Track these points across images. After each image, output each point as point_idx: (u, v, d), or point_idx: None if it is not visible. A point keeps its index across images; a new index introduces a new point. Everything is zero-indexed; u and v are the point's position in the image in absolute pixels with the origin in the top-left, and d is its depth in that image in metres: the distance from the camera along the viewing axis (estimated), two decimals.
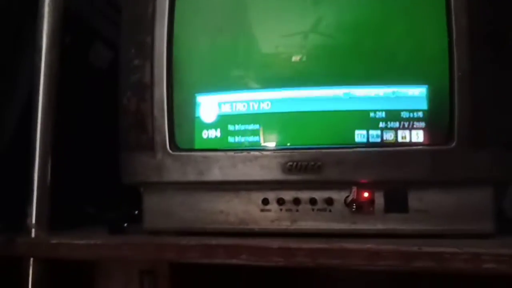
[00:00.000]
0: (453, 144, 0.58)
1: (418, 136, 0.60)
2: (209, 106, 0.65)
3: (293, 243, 0.55)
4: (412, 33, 0.62)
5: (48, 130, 0.67)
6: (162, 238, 0.63)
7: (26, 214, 0.65)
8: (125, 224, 0.67)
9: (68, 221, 0.70)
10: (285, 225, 0.62)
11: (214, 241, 0.58)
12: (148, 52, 0.66)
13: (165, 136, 0.64)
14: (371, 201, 0.60)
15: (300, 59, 0.64)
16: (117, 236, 0.66)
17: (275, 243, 0.56)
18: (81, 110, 0.76)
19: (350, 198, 0.60)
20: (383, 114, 0.60)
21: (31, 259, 0.65)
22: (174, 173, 0.64)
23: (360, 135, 0.61)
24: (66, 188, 0.69)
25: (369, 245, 0.53)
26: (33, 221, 0.65)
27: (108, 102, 0.70)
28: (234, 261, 0.58)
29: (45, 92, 0.67)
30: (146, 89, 0.65)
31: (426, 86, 0.60)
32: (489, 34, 0.59)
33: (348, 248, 0.54)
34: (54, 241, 0.64)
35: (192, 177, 0.64)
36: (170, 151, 0.64)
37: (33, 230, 0.65)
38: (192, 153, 0.65)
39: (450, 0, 0.59)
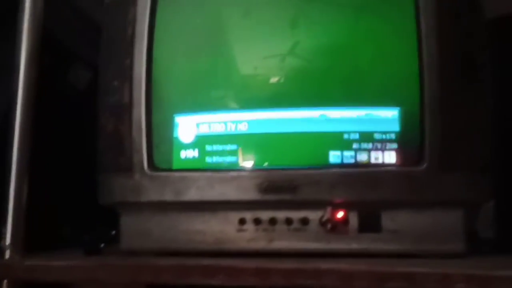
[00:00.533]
0: (424, 166, 0.59)
1: (390, 157, 0.61)
2: (187, 127, 0.66)
3: (269, 264, 0.56)
4: (384, 57, 0.64)
5: (25, 150, 0.67)
6: (138, 259, 0.62)
7: (1, 235, 0.65)
8: (102, 245, 0.67)
9: (44, 242, 0.69)
10: (261, 245, 0.63)
11: (190, 261, 0.58)
12: (127, 74, 0.66)
13: (143, 157, 0.65)
14: (345, 221, 0.61)
15: (278, 80, 0.65)
16: (93, 258, 0.65)
17: (252, 263, 0.57)
18: (59, 131, 0.76)
19: (325, 218, 0.61)
20: (357, 136, 0.62)
21: (5, 281, 0.64)
22: (152, 193, 0.64)
23: (334, 156, 0.62)
24: (42, 209, 0.69)
25: (343, 265, 0.54)
26: (8, 242, 0.64)
27: (87, 123, 0.70)
28: (210, 281, 0.58)
29: (23, 112, 0.67)
30: (124, 110, 0.66)
31: (398, 108, 0.62)
32: (459, 58, 0.61)
33: (322, 269, 0.54)
34: (28, 263, 0.63)
35: (169, 197, 0.64)
36: (148, 172, 0.64)
37: (7, 252, 0.64)
38: (170, 173, 0.65)
39: (420, 25, 0.61)
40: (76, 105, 0.80)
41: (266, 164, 0.64)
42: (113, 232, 0.68)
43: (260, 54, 0.66)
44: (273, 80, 0.65)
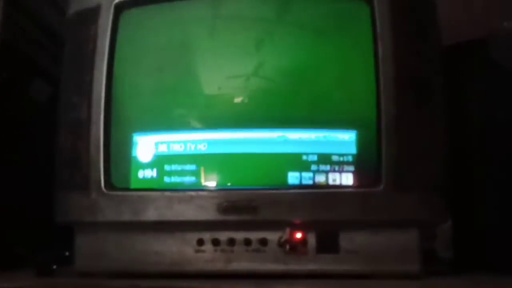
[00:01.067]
0: (381, 187, 0.60)
1: (348, 179, 0.62)
2: (146, 146, 0.65)
3: (225, 285, 0.55)
4: (342, 80, 0.65)
5: None
6: (92, 281, 0.61)
7: None
8: (54, 266, 0.65)
9: None
10: (219, 266, 0.62)
11: (145, 283, 0.57)
12: (86, 90, 0.65)
13: (100, 175, 0.63)
14: (303, 241, 0.61)
15: (240, 101, 0.66)
16: (44, 279, 0.63)
17: (208, 285, 0.56)
18: (15, 146, 0.74)
19: (283, 239, 0.61)
20: (315, 157, 0.62)
21: None
22: (109, 213, 0.63)
23: (293, 177, 0.62)
24: None
25: (300, 286, 0.54)
26: None
27: (46, 138, 0.68)
28: None
29: None
30: (82, 127, 0.65)
31: (355, 131, 0.63)
32: (414, 81, 0.62)
33: None
34: None
35: (127, 217, 0.63)
36: (105, 190, 0.63)
37: None
38: (128, 192, 0.64)
39: (377, 49, 0.63)
40: (36, 119, 0.78)
41: (225, 184, 0.64)
42: (67, 253, 0.66)
43: (224, 74, 0.67)
44: (236, 100, 0.66)
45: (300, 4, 0.66)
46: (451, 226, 0.76)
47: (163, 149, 0.65)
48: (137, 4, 0.68)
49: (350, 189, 0.62)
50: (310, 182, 0.62)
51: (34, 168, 0.75)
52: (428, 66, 0.63)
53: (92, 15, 0.67)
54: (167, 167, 0.64)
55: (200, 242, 0.63)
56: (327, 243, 0.61)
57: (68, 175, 0.65)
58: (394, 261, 0.61)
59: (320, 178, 0.62)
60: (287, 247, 0.61)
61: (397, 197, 0.60)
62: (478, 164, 0.74)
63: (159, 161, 0.64)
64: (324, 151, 0.62)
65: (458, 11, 0.83)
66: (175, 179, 0.64)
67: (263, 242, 0.62)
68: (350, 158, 0.62)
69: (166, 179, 0.64)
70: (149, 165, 0.65)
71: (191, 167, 0.64)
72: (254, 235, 0.62)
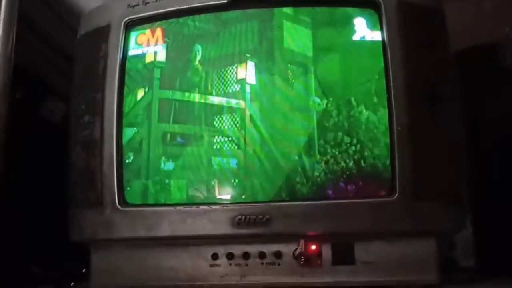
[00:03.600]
0: (395, 197, 0.59)
1: (362, 189, 0.61)
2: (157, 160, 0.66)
3: None
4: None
5: None
6: None
7: None
8: (72, 284, 0.65)
9: (13, 281, 0.68)
10: (234, 280, 0.62)
11: None
12: (98, 109, 0.66)
13: (114, 192, 0.64)
14: (318, 253, 0.61)
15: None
16: None
17: None
18: (30, 165, 0.75)
19: (298, 251, 0.60)
20: (328, 168, 0.62)
21: None
22: (123, 229, 0.63)
23: (306, 189, 0.62)
24: (10, 246, 0.67)
25: None
26: None
27: (59, 157, 0.69)
28: None
29: None
30: (95, 145, 0.65)
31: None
32: (426, 89, 0.62)
33: None
34: None
35: (141, 233, 0.63)
36: (119, 207, 0.63)
37: None
38: (141, 208, 0.64)
39: (387, 58, 0.62)
40: (50, 138, 0.79)
41: (238, 198, 0.64)
42: (84, 270, 0.67)
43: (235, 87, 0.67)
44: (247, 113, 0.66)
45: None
46: (472, 234, 0.76)
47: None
48: (146, 22, 0.69)
49: (365, 199, 0.61)
50: (324, 193, 0.62)
51: (49, 187, 0.76)
52: (440, 74, 0.63)
53: (102, 33, 0.68)
54: (179, 182, 0.65)
55: (215, 256, 0.63)
56: (343, 255, 0.60)
57: (82, 193, 0.65)
58: (411, 271, 0.60)
59: (334, 189, 0.62)
60: (302, 259, 0.60)
61: (412, 206, 0.59)
62: (497, 170, 0.73)
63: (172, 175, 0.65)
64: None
65: (467, 16, 0.83)
66: (188, 193, 0.64)
67: (278, 255, 0.61)
68: (363, 168, 0.62)
69: (179, 193, 0.64)
70: (162, 180, 0.65)
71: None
72: (269, 248, 0.62)
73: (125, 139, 0.66)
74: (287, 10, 0.67)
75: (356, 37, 0.65)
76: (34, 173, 0.75)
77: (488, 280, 0.64)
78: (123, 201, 0.64)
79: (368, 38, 0.64)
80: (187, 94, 0.68)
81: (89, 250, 0.66)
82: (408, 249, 0.60)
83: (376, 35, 0.63)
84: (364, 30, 0.65)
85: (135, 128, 0.67)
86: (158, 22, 0.69)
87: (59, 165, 0.68)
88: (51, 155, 0.75)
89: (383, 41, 0.63)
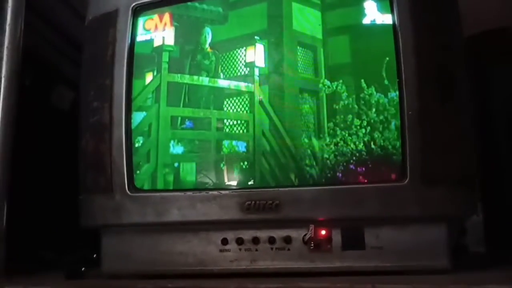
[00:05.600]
0: (406, 181, 0.59)
1: (372, 173, 0.61)
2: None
3: (250, 284, 0.55)
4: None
5: (4, 172, 0.66)
6: (120, 282, 0.61)
7: None
8: (83, 269, 0.66)
9: (24, 266, 0.68)
10: (244, 265, 0.62)
11: (170, 284, 0.58)
12: (107, 94, 0.66)
13: (123, 178, 0.64)
14: (328, 238, 0.60)
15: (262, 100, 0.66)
16: (73, 281, 0.64)
17: (232, 284, 0.56)
18: (40, 152, 0.75)
19: (308, 236, 0.60)
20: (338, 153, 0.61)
21: None
22: (133, 215, 0.64)
23: (316, 174, 0.61)
24: (22, 232, 0.68)
25: (325, 284, 0.53)
26: None
27: (69, 143, 0.69)
28: None
29: (2, 134, 0.67)
30: (105, 130, 0.65)
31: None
32: (437, 73, 0.61)
33: None
34: (7, 287, 0.62)
35: (151, 218, 0.63)
36: (129, 193, 0.64)
37: None
38: (151, 194, 0.64)
39: (398, 42, 0.61)
40: (60, 125, 0.79)
41: (247, 183, 0.64)
42: (95, 255, 0.67)
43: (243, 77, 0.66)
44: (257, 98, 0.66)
45: None
46: (483, 220, 0.75)
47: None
48: (153, 7, 0.68)
49: (375, 184, 0.60)
50: (333, 177, 0.61)
51: (60, 173, 0.76)
52: (451, 58, 0.62)
53: (110, 19, 0.68)
54: (189, 166, 0.65)
55: (224, 241, 0.63)
56: (353, 240, 0.60)
57: (91, 179, 0.66)
58: (422, 257, 0.59)
59: (344, 174, 0.61)
60: (312, 244, 0.60)
61: (423, 191, 0.58)
62: (508, 156, 0.72)
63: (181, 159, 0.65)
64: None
65: (479, 0, 0.81)
66: (197, 178, 0.64)
67: (288, 240, 0.61)
68: (373, 151, 0.61)
69: (188, 178, 0.64)
70: (171, 164, 0.65)
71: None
72: (278, 233, 0.62)
73: (134, 123, 0.66)
74: None
75: (366, 20, 0.64)
76: (45, 160, 0.76)
77: (499, 265, 0.64)
78: (132, 187, 0.64)
79: (378, 21, 0.63)
80: (196, 77, 0.68)
81: (100, 235, 0.66)
82: (419, 234, 0.60)
83: (387, 19, 0.62)
84: (374, 13, 0.64)
85: (144, 112, 0.67)
86: (166, 7, 0.68)
87: (69, 152, 0.69)
88: (61, 141, 0.76)
89: (394, 24, 0.62)
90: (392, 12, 0.62)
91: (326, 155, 0.62)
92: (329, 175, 0.61)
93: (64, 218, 0.70)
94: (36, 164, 0.74)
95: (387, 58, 0.61)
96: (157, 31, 0.68)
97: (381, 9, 0.63)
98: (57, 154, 0.76)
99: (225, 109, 0.66)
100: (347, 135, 0.62)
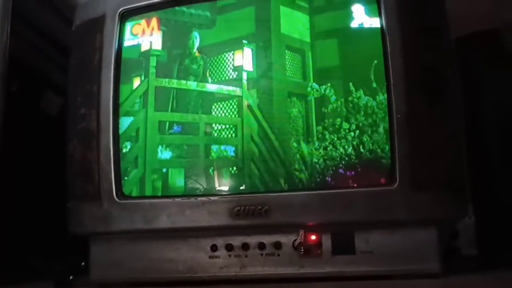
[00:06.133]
0: (395, 185, 0.58)
1: (361, 178, 0.61)
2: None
3: None
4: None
5: None
6: None
7: None
8: (71, 277, 0.65)
9: (12, 274, 0.67)
10: (234, 271, 0.61)
11: None
12: (94, 100, 0.65)
13: (111, 184, 0.63)
14: (318, 243, 0.60)
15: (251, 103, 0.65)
16: None
17: None
18: (27, 158, 0.74)
19: (297, 242, 0.60)
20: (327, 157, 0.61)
21: None
22: (122, 222, 0.63)
23: (304, 178, 0.61)
24: (9, 240, 0.67)
25: None
26: None
27: (57, 150, 0.69)
28: None
29: None
30: (92, 137, 0.65)
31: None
32: (425, 77, 0.61)
33: None
34: None
35: (140, 225, 0.63)
36: (117, 200, 0.63)
37: None
38: (139, 200, 0.64)
39: (386, 44, 0.61)
40: (47, 131, 0.78)
41: (236, 188, 0.63)
42: (83, 263, 0.66)
43: (231, 75, 0.66)
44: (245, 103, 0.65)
45: None
46: (474, 223, 0.75)
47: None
48: (141, 12, 0.68)
49: (364, 188, 0.60)
50: (323, 182, 0.61)
51: (48, 180, 0.75)
52: (439, 60, 0.61)
53: (97, 24, 0.67)
54: (177, 171, 0.64)
55: (214, 247, 0.62)
56: (343, 245, 0.60)
57: (79, 186, 0.65)
58: (413, 261, 0.59)
59: (333, 178, 0.61)
60: (302, 250, 0.60)
61: (412, 195, 0.58)
62: (498, 158, 0.72)
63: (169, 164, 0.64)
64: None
65: (467, 2, 0.81)
66: (185, 183, 0.64)
67: (277, 245, 0.61)
68: (363, 155, 0.61)
69: (177, 184, 0.64)
70: (160, 171, 0.65)
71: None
72: (268, 239, 0.61)
73: (121, 129, 0.65)
74: None
75: (354, 24, 0.64)
76: (33, 167, 0.75)
77: (491, 268, 0.64)
78: (121, 194, 0.63)
79: (366, 25, 0.63)
80: (184, 82, 0.67)
81: (89, 243, 0.65)
82: (409, 238, 0.59)
83: (374, 22, 0.62)
84: (362, 16, 0.64)
85: (131, 117, 0.66)
86: (154, 12, 0.68)
87: (57, 158, 0.68)
88: (49, 148, 0.75)
89: (381, 28, 0.61)
90: (379, 15, 0.61)
91: (315, 160, 0.61)
92: (318, 179, 0.61)
93: (52, 226, 0.69)
94: (24, 171, 0.73)
95: (375, 61, 0.61)
96: (144, 36, 0.68)
97: (369, 13, 0.63)
98: (45, 161, 0.75)
99: (213, 113, 0.66)
100: (336, 138, 0.62)
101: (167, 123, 0.67)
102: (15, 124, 0.70)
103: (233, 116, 0.65)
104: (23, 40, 0.75)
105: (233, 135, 0.65)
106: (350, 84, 0.62)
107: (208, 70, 0.67)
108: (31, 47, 0.78)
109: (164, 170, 0.65)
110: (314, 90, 0.63)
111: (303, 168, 0.62)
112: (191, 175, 0.64)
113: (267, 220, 0.60)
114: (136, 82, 0.67)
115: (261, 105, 0.64)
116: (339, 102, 0.62)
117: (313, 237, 0.60)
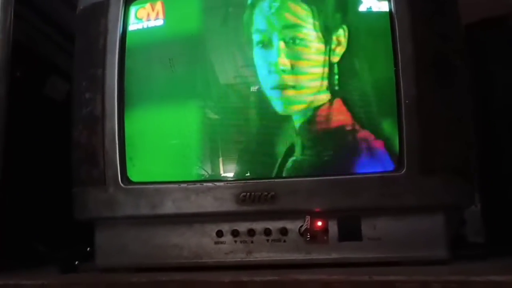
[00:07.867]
0: (403, 171, 0.58)
1: (368, 163, 0.60)
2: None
3: (245, 276, 0.54)
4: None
5: None
6: (113, 276, 0.60)
7: None
8: (77, 262, 0.65)
9: (18, 260, 0.67)
10: (239, 257, 0.61)
11: (165, 277, 0.57)
12: (99, 85, 0.65)
13: (116, 170, 0.63)
14: (325, 230, 0.60)
15: (257, 90, 0.64)
16: (67, 276, 0.63)
17: (227, 277, 0.55)
18: (32, 144, 0.74)
19: (304, 228, 0.59)
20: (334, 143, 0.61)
21: None
22: (127, 208, 0.63)
23: (311, 164, 0.60)
24: (14, 225, 0.67)
25: (321, 276, 0.52)
26: None
27: (62, 135, 0.68)
28: None
29: None
30: (97, 122, 0.64)
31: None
32: (434, 60, 0.60)
33: (300, 280, 0.52)
34: (1, 282, 0.61)
35: (145, 211, 0.62)
36: (122, 185, 0.63)
37: None
38: (145, 186, 0.63)
39: (395, 28, 0.60)
40: (53, 117, 0.78)
41: (243, 174, 0.63)
42: (88, 249, 0.66)
43: (238, 63, 0.65)
44: (252, 89, 0.64)
45: None
46: (481, 210, 0.74)
47: None
48: None
49: (371, 174, 0.59)
50: (330, 167, 0.60)
51: (53, 166, 0.75)
52: (449, 44, 0.61)
53: (101, 8, 0.66)
54: (183, 157, 0.64)
55: (220, 233, 0.62)
56: (349, 231, 0.59)
57: (84, 171, 0.64)
58: (420, 247, 0.59)
59: (340, 164, 0.60)
60: (308, 236, 0.59)
61: (420, 180, 0.58)
62: (507, 145, 0.72)
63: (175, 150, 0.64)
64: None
65: None
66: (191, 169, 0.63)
67: (283, 231, 0.61)
68: (370, 142, 0.60)
69: (182, 169, 0.63)
70: (165, 157, 0.64)
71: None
72: (274, 225, 0.61)
73: (127, 114, 0.65)
74: None
75: (362, 7, 0.63)
76: (37, 153, 0.74)
77: (497, 256, 0.63)
78: (126, 179, 0.63)
79: (375, 8, 0.62)
80: (188, 67, 0.66)
81: (94, 229, 0.65)
82: (417, 224, 0.59)
83: (383, 6, 0.61)
84: (371, 0, 0.63)
85: (137, 103, 0.66)
86: None
87: (62, 144, 0.67)
88: (54, 133, 0.75)
89: (390, 11, 0.61)
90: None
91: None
92: (325, 164, 0.61)
93: (57, 211, 0.69)
94: (28, 157, 0.73)
95: (384, 45, 0.60)
96: (149, 20, 0.67)
97: None
98: (50, 146, 0.75)
99: (219, 99, 0.65)
100: None
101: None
102: (20, 110, 0.70)
103: (240, 102, 0.64)
104: (27, 24, 0.75)
105: (239, 121, 0.63)
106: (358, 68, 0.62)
107: (213, 55, 0.66)
108: (35, 32, 0.77)
109: (170, 154, 0.64)
110: None
111: (310, 154, 0.61)
112: (196, 159, 0.64)
113: (273, 206, 0.59)
114: (142, 67, 0.66)
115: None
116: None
117: (320, 223, 0.60)
